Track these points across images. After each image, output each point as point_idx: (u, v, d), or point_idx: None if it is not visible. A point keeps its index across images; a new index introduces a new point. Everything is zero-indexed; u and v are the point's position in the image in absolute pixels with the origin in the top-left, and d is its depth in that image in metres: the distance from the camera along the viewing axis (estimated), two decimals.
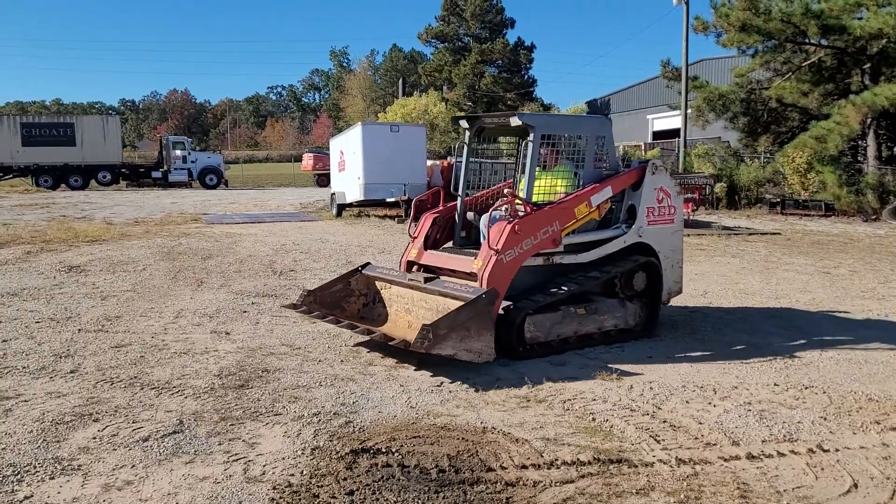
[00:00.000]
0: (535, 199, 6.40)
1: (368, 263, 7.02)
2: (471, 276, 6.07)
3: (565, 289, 6.24)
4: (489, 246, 5.95)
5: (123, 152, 40.69)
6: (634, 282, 6.79)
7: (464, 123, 7.04)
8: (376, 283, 6.84)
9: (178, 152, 36.92)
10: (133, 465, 3.91)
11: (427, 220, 6.86)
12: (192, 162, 37.18)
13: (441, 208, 7.03)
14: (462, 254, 6.49)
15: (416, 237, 6.83)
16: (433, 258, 6.62)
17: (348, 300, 6.83)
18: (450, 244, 7.01)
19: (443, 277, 6.28)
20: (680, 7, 29.10)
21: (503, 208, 6.20)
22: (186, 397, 5.03)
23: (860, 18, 21.66)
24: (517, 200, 6.15)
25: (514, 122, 6.41)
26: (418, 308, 6.33)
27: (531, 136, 6.30)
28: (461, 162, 7.11)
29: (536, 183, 6.53)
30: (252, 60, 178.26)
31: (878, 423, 4.58)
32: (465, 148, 7.04)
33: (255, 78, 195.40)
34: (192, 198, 28.20)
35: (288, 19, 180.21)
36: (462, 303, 5.59)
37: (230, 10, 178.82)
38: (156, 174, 36.71)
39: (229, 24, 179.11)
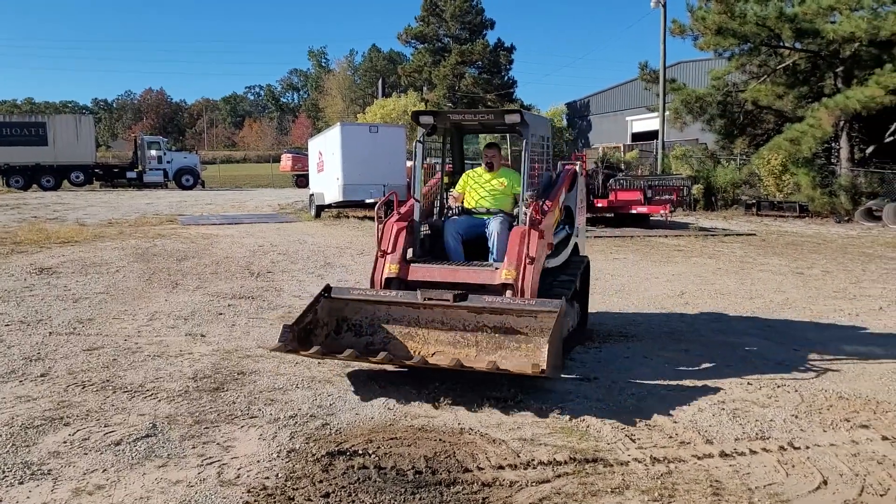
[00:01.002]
0: (491, 201, 6.41)
1: (329, 286, 5.80)
2: (493, 288, 5.55)
3: (567, 293, 5.99)
4: (526, 254, 5.52)
5: (97, 152, 40.25)
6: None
7: (426, 119, 6.21)
8: (351, 306, 5.71)
9: (154, 152, 36.57)
10: (104, 470, 3.86)
11: (401, 230, 5.98)
12: (168, 162, 36.84)
13: (397, 215, 6.19)
14: (468, 266, 5.82)
15: (391, 250, 5.89)
16: (425, 272, 5.81)
17: (315, 332, 5.61)
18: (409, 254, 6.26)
19: (433, 292, 5.51)
20: (658, 9, 29.37)
21: (523, 213, 5.73)
22: (160, 400, 4.97)
23: (833, 22, 22.00)
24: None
25: (513, 119, 5.99)
26: (428, 331, 5.49)
27: (525, 136, 6.09)
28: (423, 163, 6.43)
29: (489, 185, 6.48)
30: (229, 60, 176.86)
31: (848, 420, 4.64)
32: (420, 147, 6.33)
33: (232, 77, 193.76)
34: (167, 198, 27.92)
35: (265, 18, 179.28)
36: (551, 318, 5.03)
37: (206, 9, 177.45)
38: (130, 174, 36.31)
39: (206, 22, 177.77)
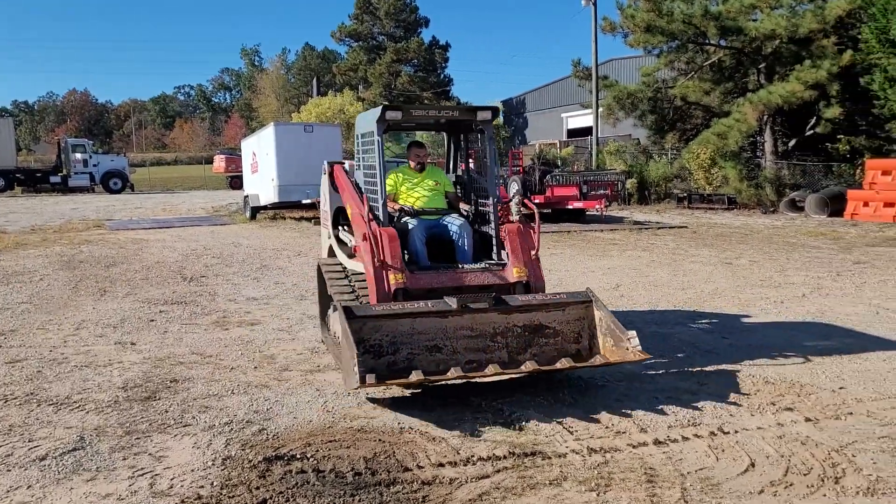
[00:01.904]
0: (435, 200, 6.30)
1: (350, 308, 5.07)
2: (504, 288, 5.51)
3: None
4: (535, 250, 5.68)
5: (18, 156, 38.72)
6: None
7: (393, 115, 5.74)
8: (370, 325, 5.04)
9: (79, 155, 35.41)
10: (29, 486, 3.70)
11: (393, 237, 5.53)
12: (95, 165, 35.74)
13: (369, 220, 5.78)
14: (470, 269, 5.63)
15: (390, 260, 5.41)
16: (432, 280, 5.50)
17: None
18: None
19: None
20: (588, 8, 29.90)
21: (514, 213, 5.82)
22: (88, 412, 4.80)
23: (755, 20, 22.82)
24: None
25: (485, 115, 5.89)
26: (456, 340, 5.18)
27: (487, 133, 6.08)
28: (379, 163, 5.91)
29: (426, 185, 6.32)
30: (157, 59, 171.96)
31: (774, 404, 4.82)
32: (380, 145, 5.79)
33: (160, 77, 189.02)
34: (94, 203, 27.04)
35: (195, 17, 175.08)
36: (582, 308, 5.34)
37: (131, 6, 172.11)
38: (54, 179, 35.07)
39: (131, 20, 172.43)
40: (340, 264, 6.39)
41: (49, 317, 7.75)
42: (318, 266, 6.66)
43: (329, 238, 6.84)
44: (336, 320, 6.23)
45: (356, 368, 4.38)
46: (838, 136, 23.74)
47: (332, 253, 6.85)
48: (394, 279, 5.35)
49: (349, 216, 6.26)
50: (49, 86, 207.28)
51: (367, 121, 6.21)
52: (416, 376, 4.59)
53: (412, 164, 6.42)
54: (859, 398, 4.93)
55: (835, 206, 20.00)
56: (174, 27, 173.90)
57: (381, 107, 5.70)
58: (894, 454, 3.98)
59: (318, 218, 20.02)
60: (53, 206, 25.87)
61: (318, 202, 7.78)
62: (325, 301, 6.69)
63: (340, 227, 6.83)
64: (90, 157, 35.98)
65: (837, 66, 20.94)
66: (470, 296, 5.22)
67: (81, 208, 24.20)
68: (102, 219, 20.20)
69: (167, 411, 4.81)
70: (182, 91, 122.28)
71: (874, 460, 3.90)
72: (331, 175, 6.87)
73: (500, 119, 49.97)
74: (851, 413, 4.64)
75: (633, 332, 4.94)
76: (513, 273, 5.57)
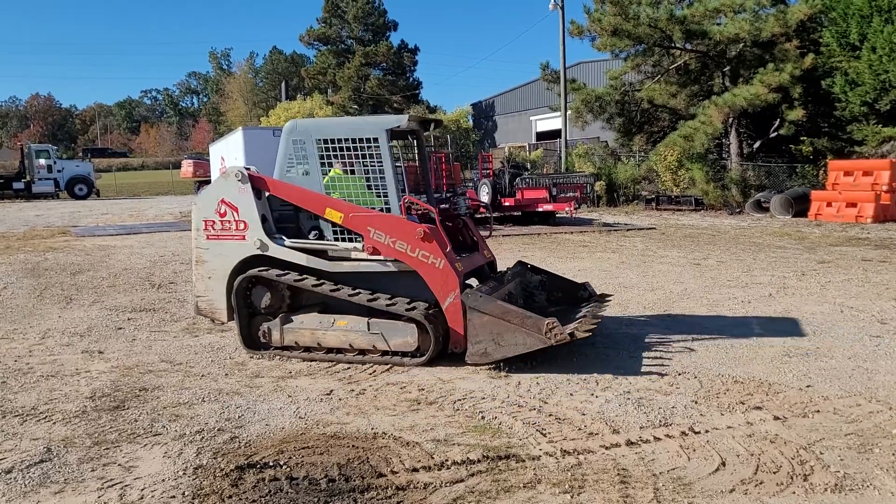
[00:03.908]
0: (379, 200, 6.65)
1: (478, 294, 5.88)
2: (485, 267, 6.94)
3: None
4: (483, 240, 7.11)
5: None
6: None
7: (412, 125, 6.49)
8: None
9: (43, 161, 34.72)
10: None
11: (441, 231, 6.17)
12: (59, 171, 35.05)
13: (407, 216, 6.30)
14: (470, 254, 6.80)
15: (447, 250, 6.05)
16: (463, 264, 6.29)
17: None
18: None
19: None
20: (556, 12, 30.11)
21: (463, 207, 6.95)
22: (55, 423, 4.71)
23: (719, 24, 23.17)
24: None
25: (437, 125, 7.03)
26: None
27: (421, 140, 7.00)
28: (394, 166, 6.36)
29: (363, 186, 6.36)
30: (122, 63, 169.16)
31: (743, 403, 4.89)
32: (390, 150, 6.17)
33: (126, 81, 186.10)
34: (59, 209, 26.54)
35: (161, 20, 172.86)
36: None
37: (96, 9, 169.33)
38: (17, 185, 34.35)
39: (97, 23, 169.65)
40: (296, 269, 6.26)
41: (13, 326, 7.59)
42: (258, 277, 6.30)
43: (257, 248, 6.34)
44: (294, 325, 6.17)
45: (555, 329, 5.41)
46: (801, 138, 24.19)
47: (247, 263, 6.45)
48: (460, 266, 6.12)
49: (337, 220, 6.15)
50: (11, 90, 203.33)
51: (353, 127, 6.45)
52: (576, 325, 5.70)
53: (339, 167, 6.41)
54: (826, 396, 5.03)
55: (799, 206, 20.37)
56: (140, 30, 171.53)
57: (406, 115, 6.42)
58: (861, 451, 4.07)
59: None
60: (17, 212, 25.35)
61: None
62: (247, 315, 6.39)
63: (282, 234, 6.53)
64: (54, 162, 35.33)
65: (799, 69, 21.36)
66: (500, 274, 6.88)
67: (46, 215, 23.75)
68: (68, 225, 19.83)
69: (136, 420, 4.74)
70: (149, 95, 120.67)
71: (841, 457, 3.99)
72: (253, 182, 6.71)
73: (470, 122, 50.08)
74: (818, 411, 4.73)
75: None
76: (486, 255, 6.99)
